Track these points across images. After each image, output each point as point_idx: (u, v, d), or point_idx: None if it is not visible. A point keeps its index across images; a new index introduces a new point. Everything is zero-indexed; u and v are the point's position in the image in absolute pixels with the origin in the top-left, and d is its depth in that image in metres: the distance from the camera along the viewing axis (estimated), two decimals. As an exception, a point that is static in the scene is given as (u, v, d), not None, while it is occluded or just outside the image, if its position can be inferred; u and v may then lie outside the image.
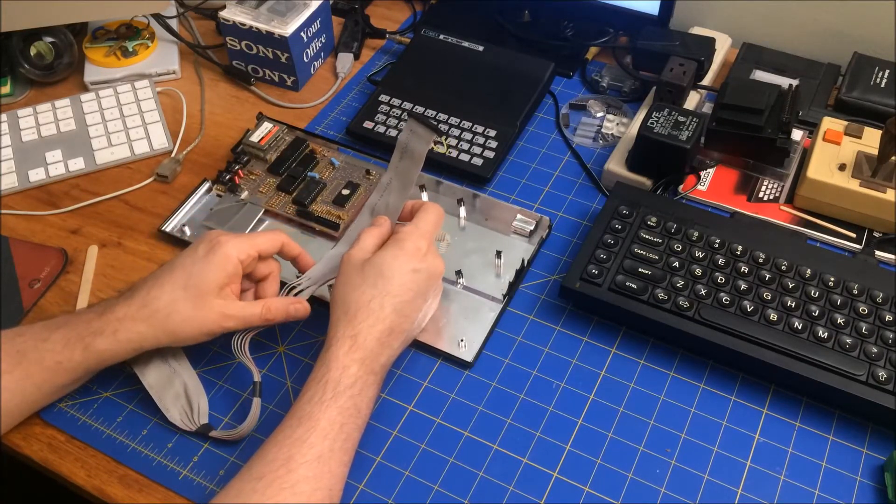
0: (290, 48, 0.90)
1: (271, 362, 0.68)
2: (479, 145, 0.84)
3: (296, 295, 0.67)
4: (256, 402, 0.63)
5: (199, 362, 0.68)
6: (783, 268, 0.69)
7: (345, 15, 1.02)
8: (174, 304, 0.60)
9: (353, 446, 0.57)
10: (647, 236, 0.72)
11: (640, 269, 0.69)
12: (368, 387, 0.58)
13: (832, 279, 0.68)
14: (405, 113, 0.87)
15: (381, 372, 0.60)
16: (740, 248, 0.71)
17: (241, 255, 0.63)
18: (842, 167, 0.76)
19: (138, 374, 0.64)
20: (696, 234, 0.72)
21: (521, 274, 0.74)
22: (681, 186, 0.81)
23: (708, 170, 0.82)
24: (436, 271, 0.64)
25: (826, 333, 0.65)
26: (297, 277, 0.68)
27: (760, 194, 0.80)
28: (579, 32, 0.97)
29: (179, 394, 0.65)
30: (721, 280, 0.69)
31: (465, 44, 0.92)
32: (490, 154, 0.83)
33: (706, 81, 0.89)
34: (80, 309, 0.63)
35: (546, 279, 0.75)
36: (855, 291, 0.67)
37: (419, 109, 0.87)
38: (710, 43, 0.88)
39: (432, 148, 0.68)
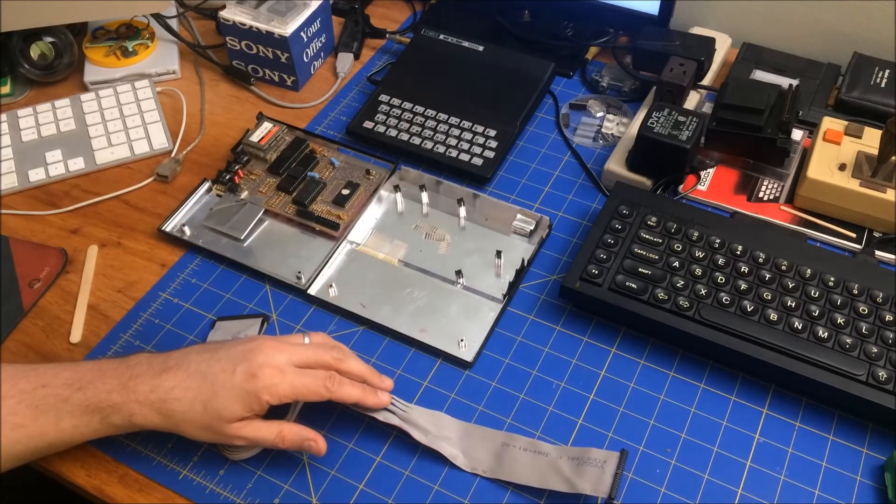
0: (290, 48, 0.90)
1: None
2: (479, 145, 0.84)
3: (387, 414, 0.62)
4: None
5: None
6: (783, 268, 0.69)
7: (345, 15, 1.02)
8: (188, 415, 0.58)
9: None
10: (647, 236, 0.72)
11: (640, 269, 0.69)
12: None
13: (832, 279, 0.68)
14: (405, 113, 0.87)
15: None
16: (740, 248, 0.71)
17: (273, 400, 0.58)
18: (842, 167, 0.76)
19: None
20: (696, 234, 0.72)
21: (521, 274, 0.74)
22: (681, 186, 0.81)
23: (708, 170, 0.82)
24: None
25: (826, 333, 0.65)
26: (404, 407, 0.63)
27: (760, 194, 0.80)
28: (579, 32, 0.97)
29: None
30: (721, 280, 0.69)
31: (465, 44, 0.92)
32: (490, 154, 0.83)
33: (706, 81, 0.89)
34: (107, 360, 0.62)
35: (546, 279, 0.75)
36: (855, 291, 0.67)
37: (419, 109, 0.87)
38: (710, 43, 0.88)
39: None
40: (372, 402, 0.61)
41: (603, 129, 0.88)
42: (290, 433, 0.60)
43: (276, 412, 0.64)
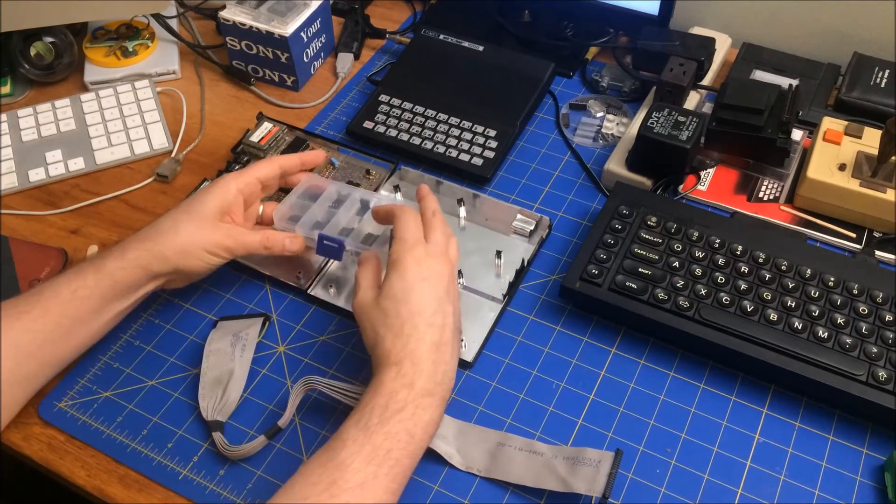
0: (290, 48, 0.90)
1: (271, 362, 0.68)
2: (479, 145, 0.84)
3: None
4: (261, 439, 0.62)
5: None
6: (783, 268, 0.69)
7: (345, 15, 1.02)
8: (178, 224, 0.65)
9: (402, 472, 0.54)
10: (647, 236, 0.72)
11: (640, 269, 0.69)
12: (423, 409, 0.56)
13: (832, 279, 0.68)
14: (405, 113, 0.87)
15: (440, 391, 0.57)
16: (740, 248, 0.71)
17: (239, 185, 0.68)
18: (842, 167, 0.76)
19: (204, 354, 0.67)
20: (696, 234, 0.72)
21: (521, 274, 0.74)
22: (681, 186, 0.81)
23: (708, 170, 0.82)
24: (442, 271, 0.61)
25: (826, 333, 0.65)
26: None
27: (760, 194, 0.80)
28: (579, 32, 0.97)
29: (221, 380, 0.65)
30: (721, 280, 0.69)
31: (465, 44, 0.92)
32: (490, 154, 0.83)
33: (706, 81, 0.89)
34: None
35: (546, 279, 0.75)
36: (855, 291, 0.67)
37: (419, 109, 0.87)
38: (710, 43, 0.88)
39: None
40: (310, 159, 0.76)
41: (603, 129, 0.88)
42: (273, 234, 0.69)
43: (276, 413, 0.64)
